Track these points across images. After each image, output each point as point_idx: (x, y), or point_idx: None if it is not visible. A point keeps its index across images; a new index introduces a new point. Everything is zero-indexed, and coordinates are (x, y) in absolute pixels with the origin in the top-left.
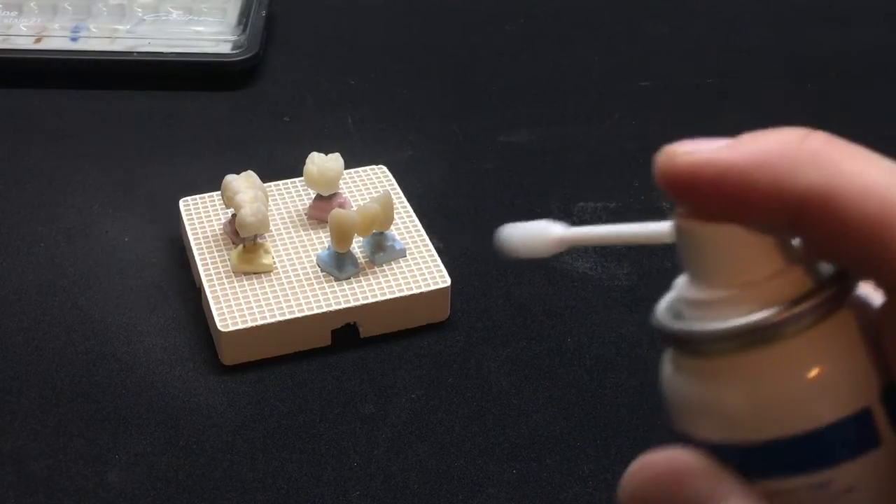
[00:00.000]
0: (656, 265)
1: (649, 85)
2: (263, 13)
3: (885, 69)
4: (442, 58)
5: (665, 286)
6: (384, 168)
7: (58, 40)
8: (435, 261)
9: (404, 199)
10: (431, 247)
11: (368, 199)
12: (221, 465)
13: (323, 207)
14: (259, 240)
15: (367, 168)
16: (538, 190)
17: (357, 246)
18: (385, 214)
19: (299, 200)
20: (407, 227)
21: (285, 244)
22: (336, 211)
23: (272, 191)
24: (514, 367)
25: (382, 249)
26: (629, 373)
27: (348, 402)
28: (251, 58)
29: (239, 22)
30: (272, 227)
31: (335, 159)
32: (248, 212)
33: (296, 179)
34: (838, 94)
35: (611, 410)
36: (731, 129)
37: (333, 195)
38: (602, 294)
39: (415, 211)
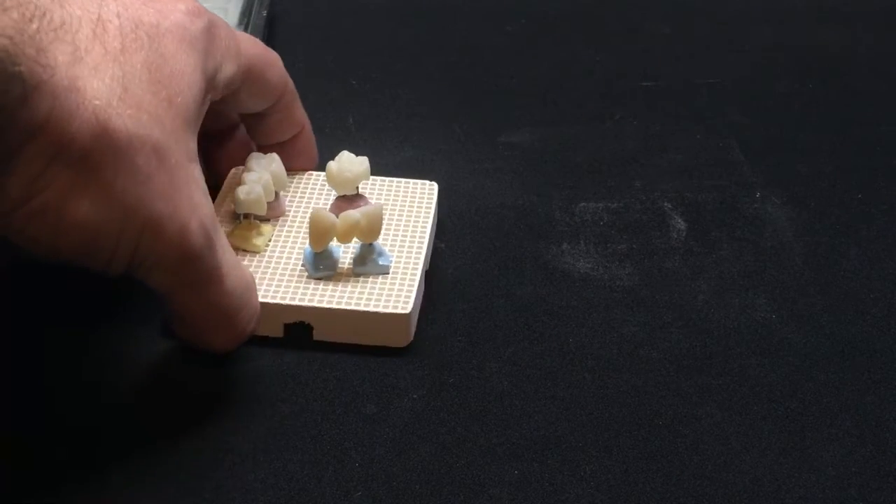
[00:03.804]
0: (658, 265)
1: (651, 85)
2: (264, 13)
3: (886, 69)
4: (442, 58)
5: (667, 287)
6: (435, 185)
7: None
8: (410, 286)
9: (432, 216)
10: (419, 272)
11: (404, 212)
12: (221, 465)
13: (341, 206)
14: (256, 220)
15: (417, 182)
16: (539, 190)
17: (350, 250)
18: (369, 226)
19: (326, 195)
20: (410, 244)
21: (292, 233)
22: (317, 210)
23: (302, 181)
24: (516, 367)
25: (364, 262)
26: (631, 373)
27: (350, 402)
28: None
29: (240, 22)
30: (288, 213)
31: (360, 162)
32: (244, 189)
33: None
34: (839, 94)
35: (613, 411)
36: (731, 128)
37: (356, 196)
38: (604, 294)
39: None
